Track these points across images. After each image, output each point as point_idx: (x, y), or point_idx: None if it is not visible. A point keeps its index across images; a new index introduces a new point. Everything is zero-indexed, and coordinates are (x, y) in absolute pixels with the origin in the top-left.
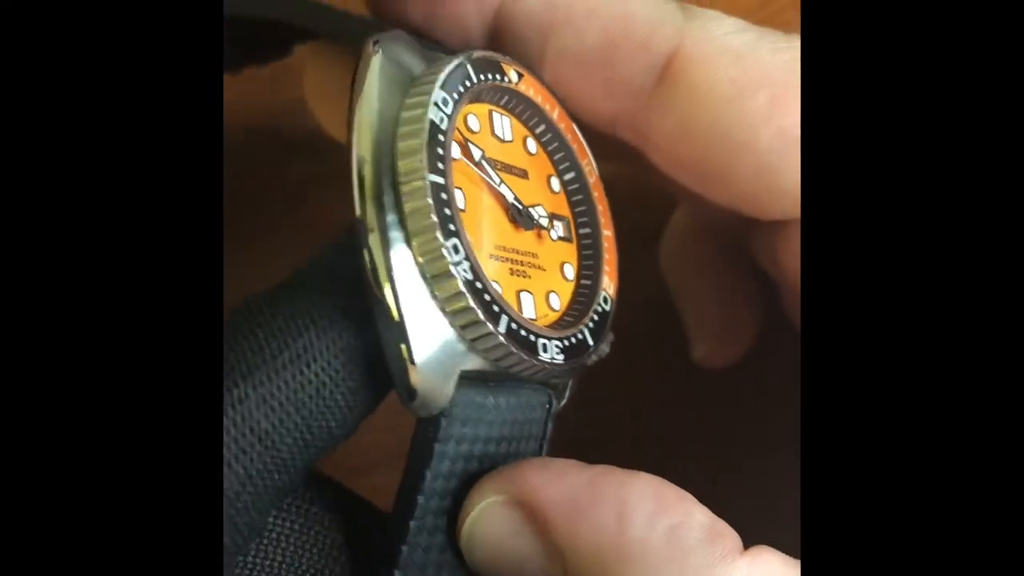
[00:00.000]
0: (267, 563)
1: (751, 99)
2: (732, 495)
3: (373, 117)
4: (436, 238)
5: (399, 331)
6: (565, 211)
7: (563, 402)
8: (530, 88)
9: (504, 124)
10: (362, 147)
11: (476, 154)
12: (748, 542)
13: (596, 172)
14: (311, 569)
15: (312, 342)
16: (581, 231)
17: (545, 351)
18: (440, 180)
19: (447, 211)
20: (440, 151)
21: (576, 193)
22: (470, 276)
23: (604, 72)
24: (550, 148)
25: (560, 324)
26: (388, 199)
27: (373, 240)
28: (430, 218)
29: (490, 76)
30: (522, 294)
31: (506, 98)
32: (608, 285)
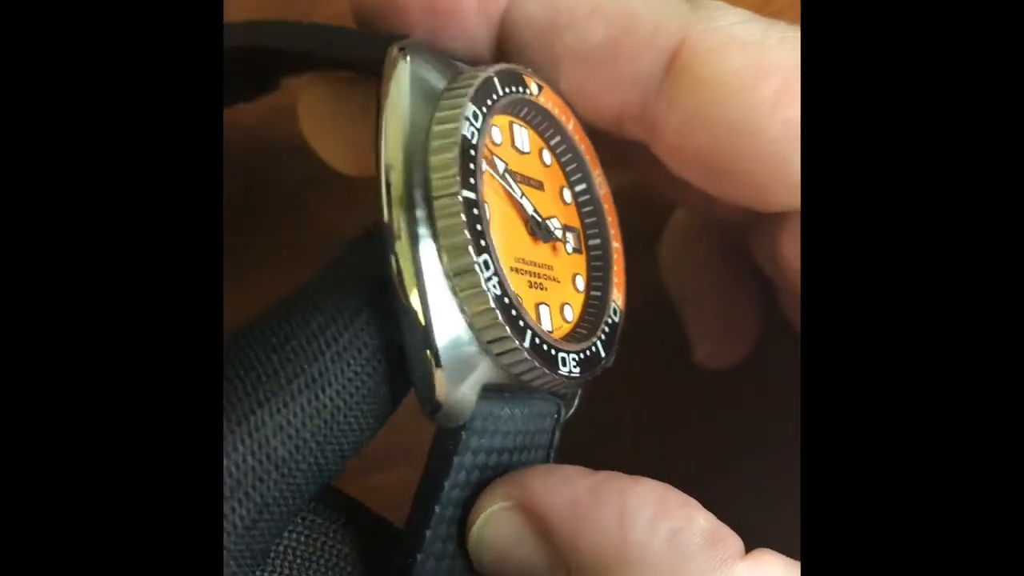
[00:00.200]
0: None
1: (759, 89)
2: (732, 495)
3: (402, 124)
4: (468, 254)
5: (425, 339)
6: (575, 222)
7: (571, 411)
8: (549, 100)
9: (523, 136)
10: (390, 153)
11: (500, 167)
12: (748, 542)
13: (606, 184)
14: None
15: (327, 366)
16: (591, 242)
17: (564, 365)
18: (472, 196)
19: (478, 227)
20: (471, 166)
21: (586, 204)
22: (499, 292)
23: (610, 69)
24: (563, 160)
25: (574, 336)
26: (420, 211)
27: (401, 248)
28: (463, 234)
29: (514, 88)
30: (540, 307)
31: (526, 110)
32: (617, 297)
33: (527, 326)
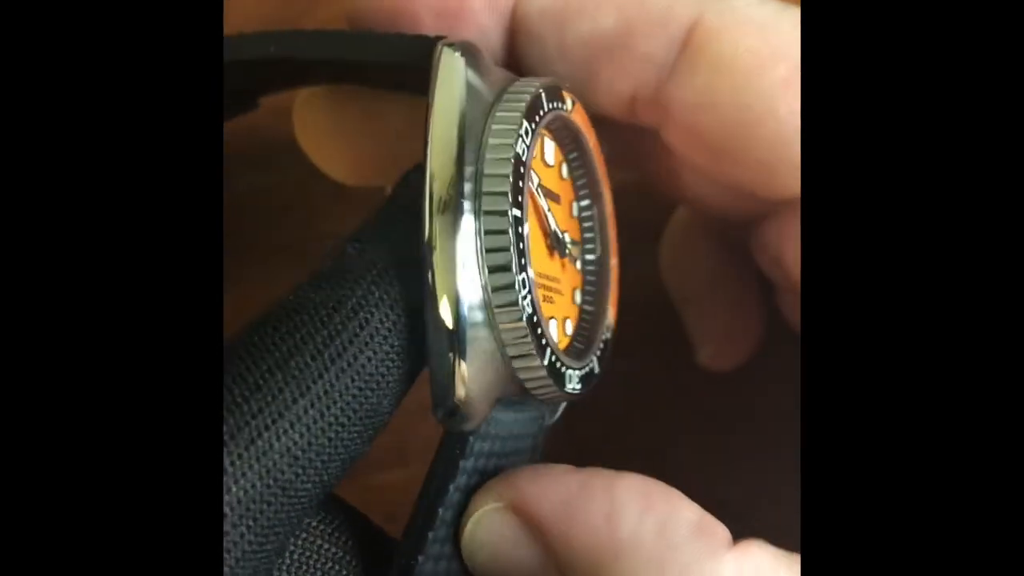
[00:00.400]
0: None
1: (772, 70)
2: (732, 496)
3: (450, 130)
4: (511, 271)
5: (454, 348)
6: (578, 236)
7: (555, 418)
8: (578, 115)
9: (550, 149)
10: (435, 162)
11: (535, 181)
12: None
13: (612, 202)
14: None
15: (332, 383)
16: (586, 256)
17: (570, 382)
18: (519, 214)
19: (521, 245)
20: (520, 184)
21: (587, 220)
22: (531, 311)
23: (624, 53)
24: (575, 174)
25: (572, 351)
26: (464, 223)
27: (439, 260)
28: (508, 252)
29: (556, 104)
30: (550, 321)
31: (557, 124)
32: (611, 314)
33: (547, 344)
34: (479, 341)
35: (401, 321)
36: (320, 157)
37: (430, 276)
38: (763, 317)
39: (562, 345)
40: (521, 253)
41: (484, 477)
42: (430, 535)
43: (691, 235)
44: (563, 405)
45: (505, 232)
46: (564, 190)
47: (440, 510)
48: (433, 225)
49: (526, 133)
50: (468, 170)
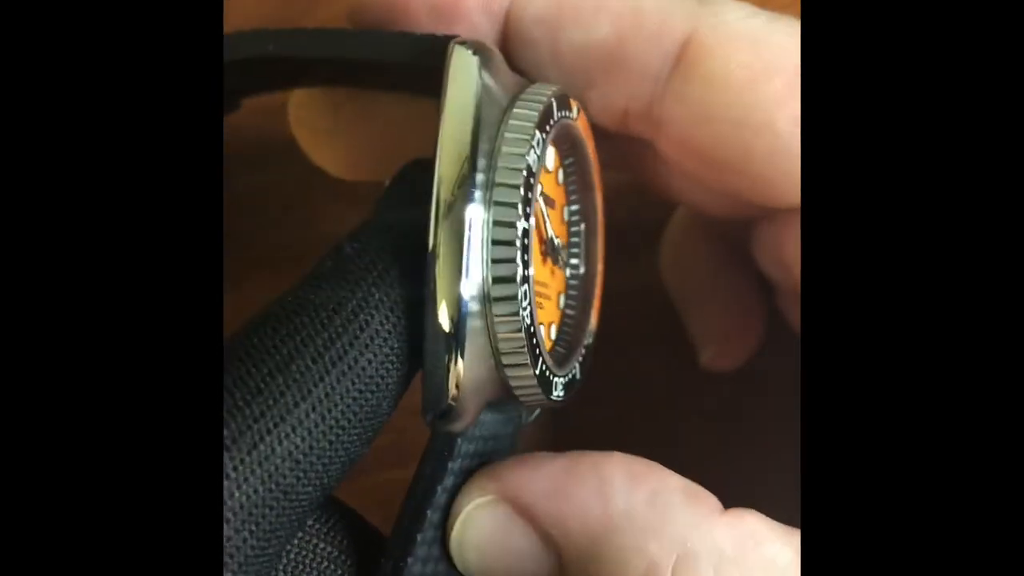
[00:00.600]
0: None
1: (768, 83)
2: (732, 496)
3: (461, 133)
4: (514, 282)
5: (451, 351)
6: (565, 241)
7: (532, 418)
8: (581, 123)
9: (550, 155)
10: (445, 165)
11: (537, 189)
12: None
13: (603, 210)
14: None
15: (333, 386)
16: (571, 261)
17: (555, 389)
18: (526, 225)
19: (526, 256)
20: (530, 195)
21: (575, 224)
22: (528, 321)
23: (617, 64)
24: (569, 179)
25: (555, 356)
26: (470, 231)
27: (442, 266)
28: (514, 265)
29: (564, 113)
30: (539, 327)
31: (560, 131)
32: (594, 321)
33: (540, 354)
34: (475, 346)
35: (401, 323)
36: (317, 153)
37: (432, 282)
38: (763, 317)
39: (547, 350)
40: (526, 265)
41: (468, 476)
42: (418, 537)
43: (691, 235)
44: (539, 408)
45: (513, 243)
46: (558, 195)
47: (428, 512)
48: (439, 231)
49: (538, 144)
50: (479, 177)
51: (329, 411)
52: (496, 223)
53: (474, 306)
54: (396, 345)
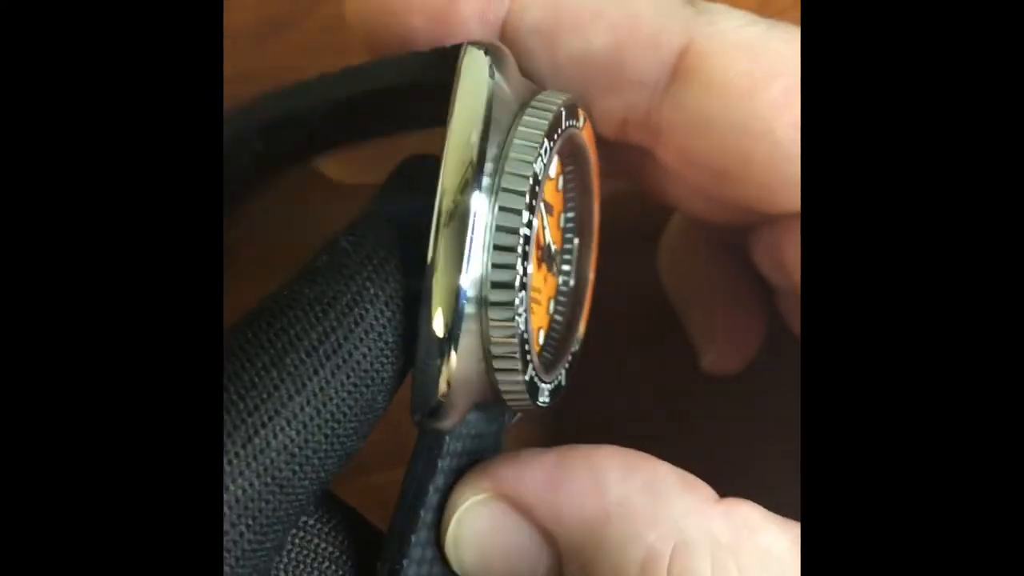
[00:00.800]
0: None
1: (766, 91)
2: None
3: (471, 137)
4: (512, 290)
5: (444, 349)
6: (560, 247)
7: (516, 418)
8: (587, 133)
9: (553, 162)
10: (451, 164)
11: (541, 196)
12: None
13: (599, 217)
14: None
15: (328, 380)
16: (563, 267)
17: (542, 395)
18: (528, 233)
19: (526, 263)
20: (534, 202)
21: (569, 231)
22: (522, 328)
23: (614, 74)
24: (568, 186)
25: (542, 361)
26: (471, 235)
27: (440, 267)
28: (514, 271)
29: (571, 122)
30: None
31: (565, 139)
32: (582, 328)
33: (530, 360)
34: (468, 346)
35: (396, 318)
36: (323, 161)
37: (430, 280)
38: (764, 320)
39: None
40: (524, 271)
41: (459, 476)
42: (412, 538)
43: (690, 240)
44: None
45: (514, 249)
46: (557, 201)
47: (421, 512)
48: (440, 230)
49: (545, 152)
50: (485, 181)
51: (324, 405)
52: (499, 228)
53: (470, 308)
54: (391, 339)
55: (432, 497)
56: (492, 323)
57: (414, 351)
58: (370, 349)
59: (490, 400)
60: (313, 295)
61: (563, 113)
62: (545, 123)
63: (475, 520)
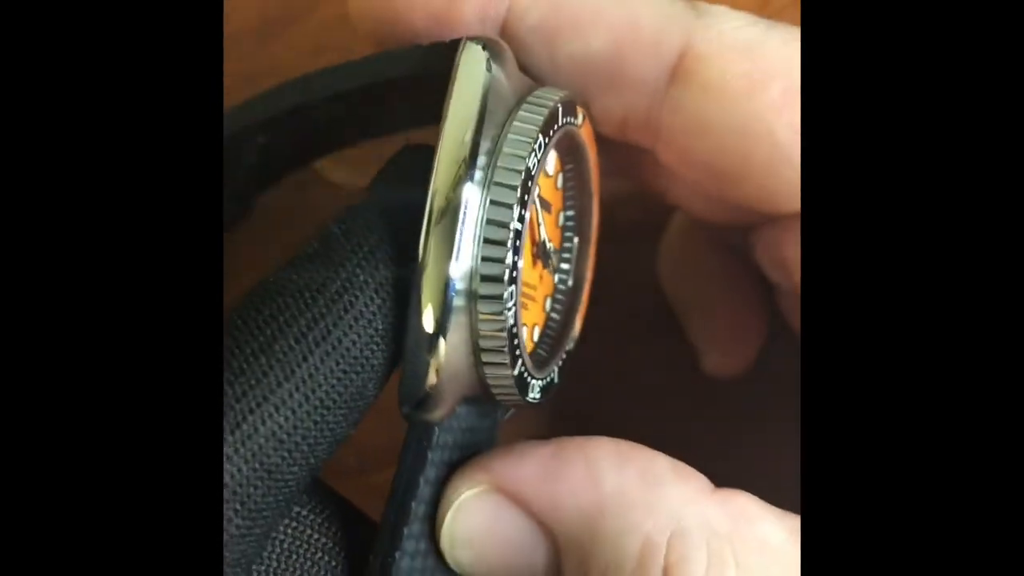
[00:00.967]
0: (261, 569)
1: (765, 92)
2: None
3: (465, 131)
4: (502, 284)
5: (431, 340)
6: (558, 245)
7: (509, 414)
8: (585, 130)
9: (551, 159)
10: (444, 155)
11: (535, 192)
12: None
13: (598, 216)
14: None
15: (317, 367)
16: (562, 266)
17: (532, 391)
18: (520, 228)
19: (516, 258)
20: (526, 197)
21: (569, 230)
22: (511, 322)
23: (614, 75)
24: (567, 184)
25: (536, 358)
26: (460, 228)
27: (430, 259)
28: (503, 266)
29: (569, 120)
30: (522, 328)
31: (564, 137)
32: (578, 327)
33: (520, 355)
34: (457, 339)
35: (386, 305)
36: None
37: (420, 271)
38: (765, 320)
39: (528, 351)
40: (515, 266)
41: (451, 469)
42: (405, 531)
43: (690, 240)
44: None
45: (504, 243)
46: (555, 199)
47: (412, 504)
48: (431, 221)
49: (540, 147)
50: (477, 174)
51: (313, 391)
52: (490, 221)
53: (459, 301)
54: (381, 327)
55: (423, 489)
56: (481, 316)
57: (404, 340)
58: (360, 336)
59: (480, 394)
60: (303, 281)
61: (560, 109)
62: (540, 118)
63: (471, 513)
